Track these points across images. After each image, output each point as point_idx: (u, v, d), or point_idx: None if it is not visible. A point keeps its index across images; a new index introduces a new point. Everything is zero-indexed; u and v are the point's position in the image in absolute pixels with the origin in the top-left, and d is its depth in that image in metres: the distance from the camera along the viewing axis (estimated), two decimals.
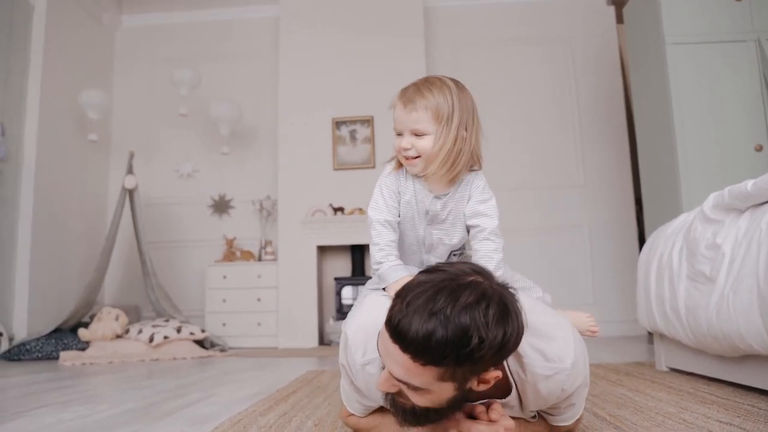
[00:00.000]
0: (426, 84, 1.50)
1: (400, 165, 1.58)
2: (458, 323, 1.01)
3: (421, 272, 1.15)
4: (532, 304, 1.28)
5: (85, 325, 4.75)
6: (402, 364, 1.06)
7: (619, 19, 5.64)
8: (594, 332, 1.78)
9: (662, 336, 2.79)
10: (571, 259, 5.41)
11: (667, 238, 2.70)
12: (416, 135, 1.48)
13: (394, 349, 1.06)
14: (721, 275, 2.15)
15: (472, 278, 1.08)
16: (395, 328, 1.05)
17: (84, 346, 4.54)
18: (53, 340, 4.46)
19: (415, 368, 1.05)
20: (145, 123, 5.99)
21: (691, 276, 2.36)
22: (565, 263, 5.41)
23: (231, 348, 5.09)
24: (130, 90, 6.07)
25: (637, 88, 4.59)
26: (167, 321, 4.83)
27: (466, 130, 1.50)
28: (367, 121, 5.47)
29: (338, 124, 5.50)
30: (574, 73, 5.71)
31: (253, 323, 5.31)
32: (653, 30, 4.22)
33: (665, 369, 2.81)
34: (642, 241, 5.16)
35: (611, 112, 5.61)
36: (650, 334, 4.08)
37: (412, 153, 1.49)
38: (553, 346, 1.26)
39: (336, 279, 5.46)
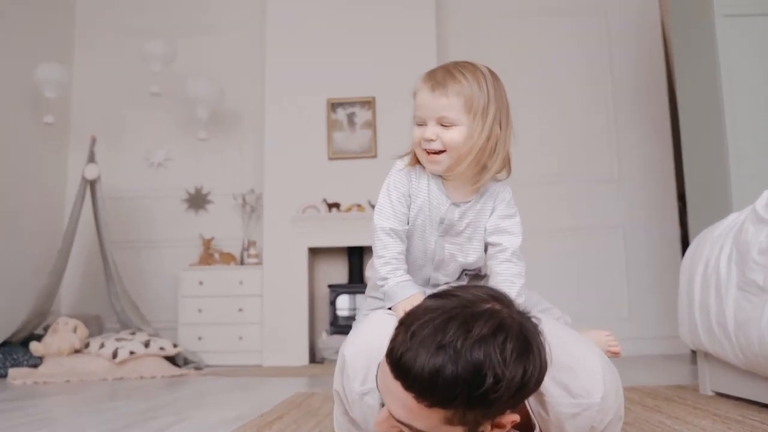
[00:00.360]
0: (458, 67, 1.48)
1: (416, 161, 1.55)
2: (470, 359, 0.99)
3: (429, 297, 1.13)
4: (554, 331, 1.25)
5: (38, 338, 4.75)
6: (404, 404, 1.05)
7: None
8: (615, 353, 1.73)
9: (707, 355, 2.79)
10: (603, 265, 5.41)
11: (714, 241, 2.70)
12: (443, 125, 1.45)
13: (396, 386, 1.05)
14: None
15: (488, 306, 1.07)
16: (397, 363, 1.03)
17: (36, 362, 4.55)
18: (1, 355, 4.47)
19: (419, 409, 1.03)
20: (111, 104, 5.99)
21: (741, 285, 2.36)
22: (596, 271, 5.40)
23: (208, 366, 5.09)
24: (94, 66, 6.07)
25: (681, 67, 4.58)
26: (133, 334, 4.84)
27: (500, 127, 1.47)
28: (368, 103, 5.48)
29: (334, 106, 5.51)
30: (608, 50, 5.70)
31: (233, 337, 5.32)
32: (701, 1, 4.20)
33: (710, 393, 2.80)
34: (685, 244, 5.14)
35: (651, 95, 5.60)
36: (694, 352, 4.08)
37: (436, 146, 1.46)
38: (580, 379, 1.25)
39: (330, 286, 5.47)
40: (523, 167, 5.35)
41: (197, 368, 4.83)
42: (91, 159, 5.10)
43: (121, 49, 6.01)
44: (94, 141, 5.16)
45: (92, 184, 5.11)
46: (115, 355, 4.51)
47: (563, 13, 5.78)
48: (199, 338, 5.29)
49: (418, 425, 1.06)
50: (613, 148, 5.58)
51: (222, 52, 6.00)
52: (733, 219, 2.68)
